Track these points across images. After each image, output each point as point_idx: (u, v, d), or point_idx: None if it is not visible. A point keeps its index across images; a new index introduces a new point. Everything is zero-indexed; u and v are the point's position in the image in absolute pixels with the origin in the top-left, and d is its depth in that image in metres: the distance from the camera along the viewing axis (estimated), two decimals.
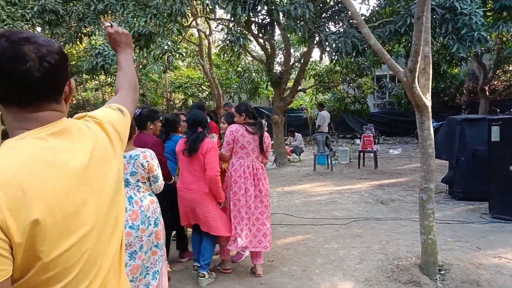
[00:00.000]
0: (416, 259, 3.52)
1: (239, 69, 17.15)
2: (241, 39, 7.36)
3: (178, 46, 9.54)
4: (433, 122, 11.78)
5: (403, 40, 8.21)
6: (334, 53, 7.43)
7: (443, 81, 15.56)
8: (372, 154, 9.61)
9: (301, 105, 17.60)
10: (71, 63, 17.18)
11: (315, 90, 13.87)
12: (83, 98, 21.42)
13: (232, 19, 7.66)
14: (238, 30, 7.94)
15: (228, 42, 7.58)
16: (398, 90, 15.75)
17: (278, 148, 10.61)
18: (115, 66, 9.21)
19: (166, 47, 8.24)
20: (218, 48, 14.05)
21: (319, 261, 3.93)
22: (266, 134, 3.74)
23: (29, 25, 8.73)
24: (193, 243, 3.72)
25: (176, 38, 9.34)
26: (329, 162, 9.57)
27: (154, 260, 2.74)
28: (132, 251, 2.61)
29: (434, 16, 6.62)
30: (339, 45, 7.21)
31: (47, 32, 9.96)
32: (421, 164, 3.28)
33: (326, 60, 11.40)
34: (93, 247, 0.89)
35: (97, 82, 19.96)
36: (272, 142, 12.13)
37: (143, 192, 2.75)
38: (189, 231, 4.16)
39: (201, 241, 3.56)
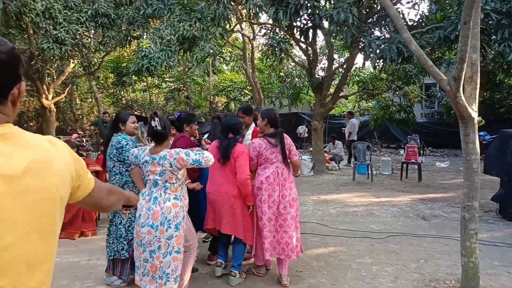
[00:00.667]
0: (456, 282, 3.26)
1: (281, 74, 17.10)
2: (282, 44, 7.30)
3: (221, 50, 9.71)
4: (485, 135, 11.03)
5: (455, 47, 7.75)
6: (377, 59, 7.16)
7: (499, 92, 14.55)
8: (416, 166, 9.15)
9: (343, 112, 17.21)
10: (123, 64, 18.02)
11: (358, 97, 13.49)
12: (132, 98, 22.32)
13: (275, 23, 7.62)
14: (280, 35, 7.89)
15: (269, 46, 7.53)
16: (448, 99, 14.94)
17: (316, 155, 10.41)
18: (160, 68, 9.52)
19: (210, 51, 8.37)
20: (261, 52, 14.14)
21: (349, 275, 3.76)
22: (287, 141, 3.67)
23: (83, 28, 9.25)
24: (220, 242, 3.78)
25: (219, 42, 9.50)
26: (370, 172, 9.23)
27: (175, 266, 2.74)
28: (151, 249, 2.72)
29: (490, 22, 6.19)
30: (384, 51, 6.94)
31: (99, 34, 10.50)
32: (464, 180, 3.04)
33: (370, 66, 11.13)
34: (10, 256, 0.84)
35: (145, 83, 20.76)
36: (311, 149, 11.94)
37: (169, 194, 2.79)
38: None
39: (228, 242, 3.73)
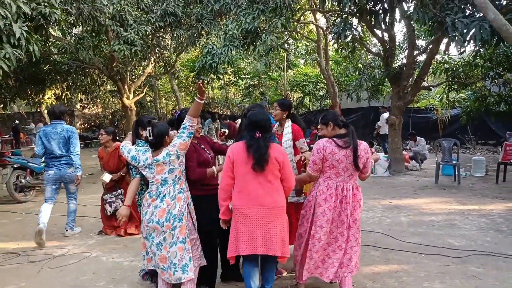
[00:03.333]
0: None
1: (359, 65, 15.98)
2: (347, 31, 6.56)
3: (287, 42, 9.24)
4: None
5: None
6: (464, 42, 6.05)
7: None
8: None
9: (431, 104, 15.45)
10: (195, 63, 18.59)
11: (446, 87, 11.89)
12: (211, 97, 22.98)
13: (340, 9, 6.91)
14: (348, 21, 7.13)
15: (333, 34, 6.86)
16: None
17: (393, 154, 9.38)
18: (223, 66, 9.43)
19: (272, 43, 7.98)
20: (334, 43, 13.30)
21: None
22: (363, 146, 3.02)
23: (153, 28, 9.56)
24: (249, 276, 2.90)
25: (283, 34, 9.03)
26: (457, 173, 7.98)
27: (180, 256, 2.85)
28: (158, 241, 2.86)
29: None
30: (472, 30, 5.82)
31: (167, 34, 10.83)
32: None
33: (462, 52, 9.68)
34: None
35: (221, 81, 21.20)
36: (388, 146, 10.82)
37: (177, 189, 2.91)
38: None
39: (253, 269, 2.91)
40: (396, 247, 4.37)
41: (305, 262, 3.08)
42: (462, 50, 6.33)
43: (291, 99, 20.36)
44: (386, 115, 11.54)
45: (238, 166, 2.82)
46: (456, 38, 5.92)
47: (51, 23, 6.29)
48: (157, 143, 2.90)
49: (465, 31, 5.93)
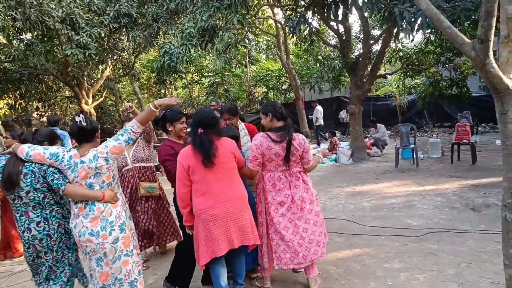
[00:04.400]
0: None
1: (319, 57, 16.28)
2: (302, 25, 6.67)
3: (247, 37, 9.28)
4: None
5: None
6: (413, 30, 6.30)
7: None
8: (469, 147, 8.10)
9: (389, 91, 16.00)
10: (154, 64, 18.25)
11: (402, 74, 12.36)
12: (174, 96, 22.64)
13: (294, 2, 7.00)
14: (300, 15, 7.25)
15: (289, 28, 6.95)
16: None
17: (355, 142, 9.66)
18: (184, 65, 9.31)
19: (229, 40, 7.97)
20: (292, 37, 13.46)
21: (371, 285, 3.21)
22: (299, 140, 3.11)
23: (107, 30, 9.29)
24: (219, 276, 2.92)
25: (243, 29, 9.03)
26: (415, 156, 8.34)
27: (127, 271, 2.53)
28: (97, 257, 2.47)
29: None
30: (419, 19, 6.08)
31: (123, 35, 10.54)
32: (504, 172, 2.36)
33: (416, 40, 10.09)
34: None
35: (184, 80, 20.91)
36: (349, 136, 11.15)
37: None
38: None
39: (222, 268, 2.94)
40: (359, 232, 4.53)
41: (271, 252, 3.15)
42: (411, 38, 6.59)
43: (255, 94, 20.44)
44: (319, 107, 13.33)
45: (194, 171, 2.78)
46: (405, 27, 6.16)
47: None
48: (90, 131, 2.53)
49: (412, 20, 6.19)
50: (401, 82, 14.15)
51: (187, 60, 8.17)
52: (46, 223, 2.51)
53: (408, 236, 4.24)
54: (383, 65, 15.48)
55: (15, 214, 2.52)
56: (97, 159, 2.48)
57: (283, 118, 3.15)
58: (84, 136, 2.53)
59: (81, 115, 2.54)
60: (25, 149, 2.49)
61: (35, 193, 2.48)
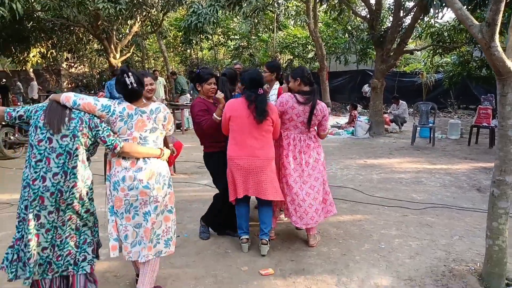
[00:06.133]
0: (480, 266, 2.82)
1: (348, 27, 15.92)
2: None
3: (276, 1, 9.20)
4: None
5: None
6: (443, 6, 6.19)
7: None
8: (488, 131, 8.06)
9: (417, 68, 15.64)
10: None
11: (431, 51, 12.07)
12: (198, 57, 22.72)
13: None
14: None
15: None
16: None
17: (374, 116, 9.70)
18: (211, 26, 9.36)
19: (257, 3, 7.98)
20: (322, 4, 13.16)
21: (366, 246, 3.48)
22: (321, 106, 3.37)
23: None
24: (241, 216, 3.37)
25: None
26: (432, 135, 8.36)
27: (166, 227, 2.53)
28: (146, 210, 2.41)
29: None
30: None
31: None
32: (497, 150, 2.52)
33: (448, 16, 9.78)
34: None
35: (210, 42, 20.89)
36: (368, 110, 11.03)
37: None
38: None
39: (248, 213, 3.42)
40: (363, 201, 4.76)
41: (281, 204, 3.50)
42: (441, 15, 6.47)
43: (280, 61, 20.28)
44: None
45: (235, 121, 3.17)
46: (435, 2, 6.06)
47: None
48: (140, 92, 2.46)
49: None
50: (429, 60, 13.80)
51: (214, 21, 8.26)
52: (63, 177, 2.25)
53: (410, 208, 4.45)
54: (413, 41, 15.05)
55: (31, 159, 2.25)
56: (158, 112, 2.47)
57: (310, 84, 3.40)
58: (134, 96, 2.44)
59: (130, 75, 2.39)
60: (72, 97, 2.33)
61: (71, 140, 2.27)
